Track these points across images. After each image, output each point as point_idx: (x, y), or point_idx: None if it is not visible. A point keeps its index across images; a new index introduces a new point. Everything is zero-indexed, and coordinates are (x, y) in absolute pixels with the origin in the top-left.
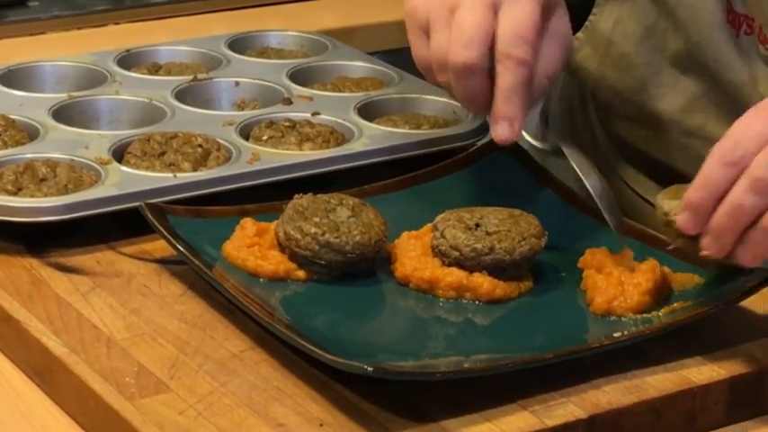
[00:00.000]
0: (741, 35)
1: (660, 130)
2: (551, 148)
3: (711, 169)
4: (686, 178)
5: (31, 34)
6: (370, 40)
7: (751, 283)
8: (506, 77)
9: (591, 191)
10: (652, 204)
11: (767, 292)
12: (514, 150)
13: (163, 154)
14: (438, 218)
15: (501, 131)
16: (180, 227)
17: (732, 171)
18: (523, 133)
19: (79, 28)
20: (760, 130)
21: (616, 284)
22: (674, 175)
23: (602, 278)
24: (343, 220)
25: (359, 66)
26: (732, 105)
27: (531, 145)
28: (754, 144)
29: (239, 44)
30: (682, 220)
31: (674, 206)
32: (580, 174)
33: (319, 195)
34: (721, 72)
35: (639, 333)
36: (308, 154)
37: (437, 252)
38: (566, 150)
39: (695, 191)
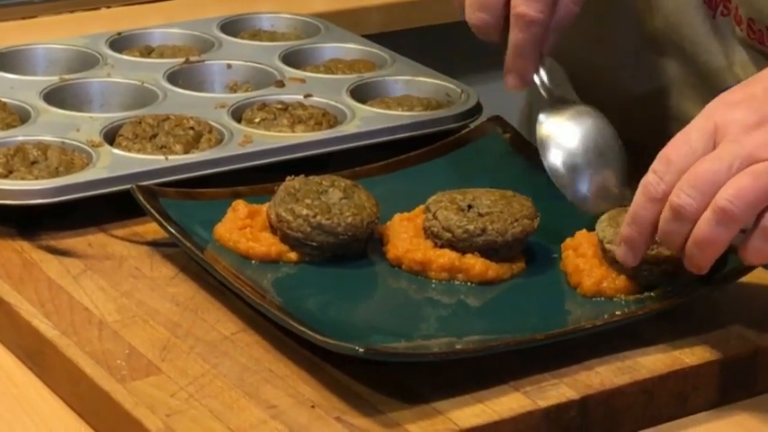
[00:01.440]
0: (717, 16)
1: (636, 113)
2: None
3: (640, 206)
4: None
5: (24, 18)
6: (363, 23)
7: (743, 264)
8: (518, 36)
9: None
10: None
11: (759, 272)
12: (508, 131)
13: (154, 136)
14: (430, 199)
15: (512, 82)
16: (171, 209)
17: (658, 206)
18: (535, 77)
19: (71, 11)
20: (679, 157)
21: (598, 265)
22: (650, 160)
23: (582, 260)
24: (335, 202)
25: (351, 48)
26: (708, 88)
27: (543, 83)
28: (675, 176)
29: (231, 27)
30: (620, 254)
31: (611, 234)
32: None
33: (311, 177)
34: (697, 54)
35: (632, 314)
36: (300, 136)
37: (429, 233)
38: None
39: (627, 226)
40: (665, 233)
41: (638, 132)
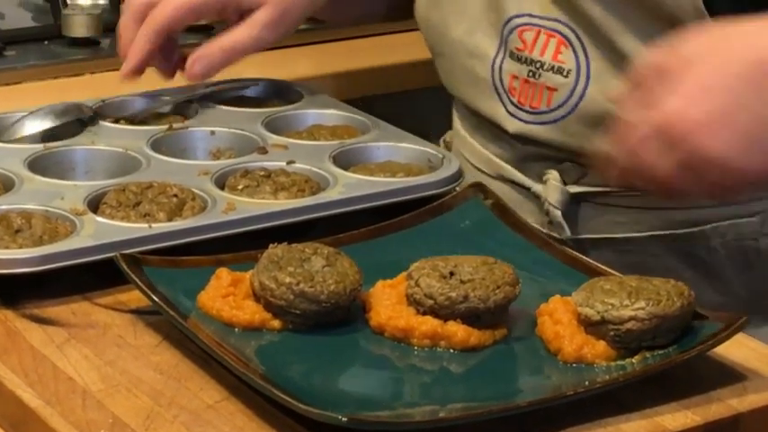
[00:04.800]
0: None
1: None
2: None
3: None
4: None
5: (7, 84)
6: (345, 88)
7: (724, 329)
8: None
9: None
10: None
11: (739, 338)
12: (489, 198)
13: (138, 204)
14: (412, 266)
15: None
16: (155, 277)
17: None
18: None
19: (56, 77)
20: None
21: (578, 331)
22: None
23: (561, 327)
24: (317, 270)
25: (333, 114)
26: (501, 22)
27: None
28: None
29: (215, 93)
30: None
31: (582, 298)
32: None
33: (294, 245)
34: None
35: (613, 380)
36: (283, 203)
37: (412, 301)
38: None
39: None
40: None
41: (451, 81)
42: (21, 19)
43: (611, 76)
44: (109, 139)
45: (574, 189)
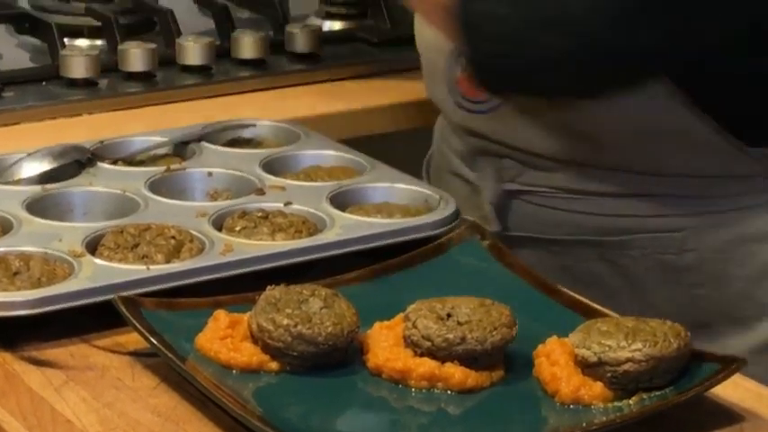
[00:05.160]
0: None
1: None
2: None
3: None
4: None
5: (5, 125)
6: (342, 127)
7: (721, 370)
8: None
9: None
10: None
11: (736, 379)
12: (486, 238)
13: (136, 246)
14: (410, 308)
15: None
16: (153, 319)
17: None
18: None
19: (53, 118)
20: None
21: (575, 373)
22: None
23: (558, 368)
24: (315, 311)
25: (331, 154)
26: None
27: None
28: None
29: (212, 134)
30: None
31: (579, 339)
32: None
33: (292, 286)
34: None
35: (610, 422)
36: (281, 244)
37: (409, 342)
38: None
39: None
40: None
41: None
42: (19, 59)
43: None
44: (107, 181)
45: (509, 186)
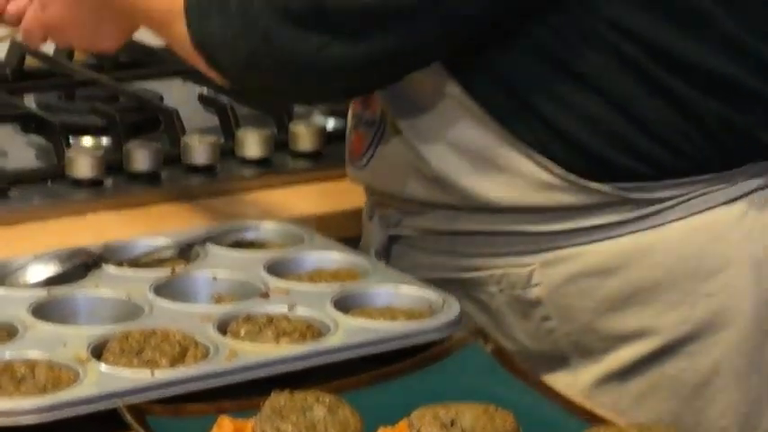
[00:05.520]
0: None
1: None
2: None
3: None
4: None
5: (10, 224)
6: (345, 226)
7: None
8: None
9: None
10: None
11: None
12: (490, 343)
13: (141, 351)
14: (413, 414)
15: None
16: (158, 426)
17: None
18: None
19: (58, 217)
20: None
21: None
22: None
23: None
24: (319, 419)
25: (334, 256)
26: None
27: None
28: None
29: (216, 236)
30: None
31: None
32: None
33: (296, 393)
34: None
35: None
36: (285, 350)
37: None
38: None
39: None
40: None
41: None
42: (24, 159)
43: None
44: (112, 284)
45: (391, 231)
